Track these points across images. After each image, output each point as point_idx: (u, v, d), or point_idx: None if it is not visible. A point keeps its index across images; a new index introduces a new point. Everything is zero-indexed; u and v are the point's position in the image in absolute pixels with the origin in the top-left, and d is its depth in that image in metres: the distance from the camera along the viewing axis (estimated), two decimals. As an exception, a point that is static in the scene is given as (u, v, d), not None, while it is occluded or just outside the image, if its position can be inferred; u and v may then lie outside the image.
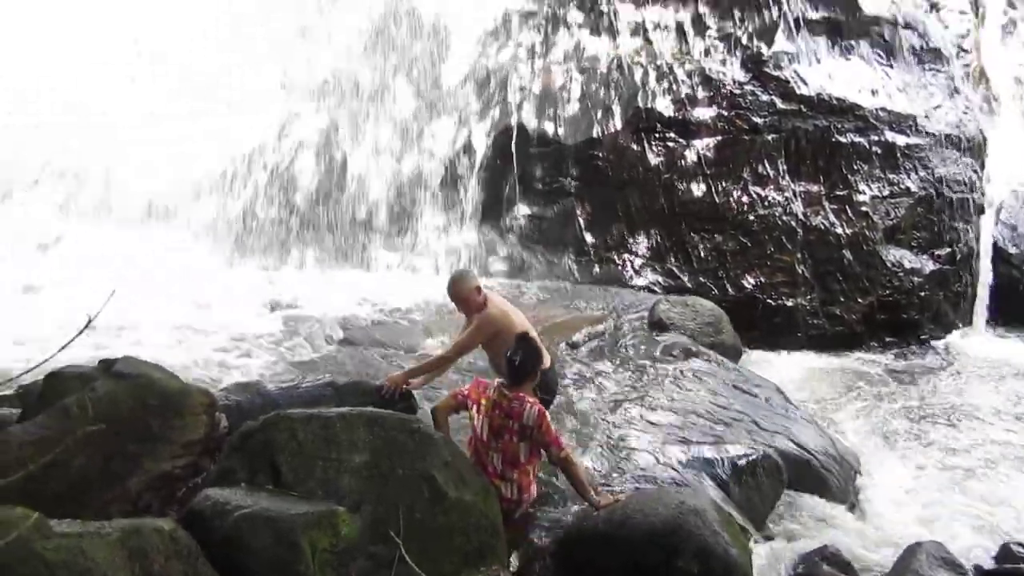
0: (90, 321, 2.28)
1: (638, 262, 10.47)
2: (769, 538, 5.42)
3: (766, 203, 10.54)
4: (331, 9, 11.37)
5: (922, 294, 10.87)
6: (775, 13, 11.00)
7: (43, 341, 6.41)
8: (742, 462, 5.82)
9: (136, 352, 6.06)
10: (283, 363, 7.13)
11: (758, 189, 10.57)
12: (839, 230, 10.64)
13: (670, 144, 10.62)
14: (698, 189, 10.52)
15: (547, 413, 4.51)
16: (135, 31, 10.85)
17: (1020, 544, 5.37)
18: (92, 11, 10.97)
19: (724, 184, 10.53)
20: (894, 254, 10.85)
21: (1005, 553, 5.31)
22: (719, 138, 10.63)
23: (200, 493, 3.82)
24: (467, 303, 5.43)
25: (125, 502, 3.95)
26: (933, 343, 10.77)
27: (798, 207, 10.60)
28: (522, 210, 10.62)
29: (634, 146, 10.59)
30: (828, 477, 6.19)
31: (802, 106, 10.78)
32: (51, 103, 10.34)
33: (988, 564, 5.23)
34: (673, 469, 5.62)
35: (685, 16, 11.10)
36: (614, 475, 5.46)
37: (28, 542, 2.91)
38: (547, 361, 5.00)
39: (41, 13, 11.03)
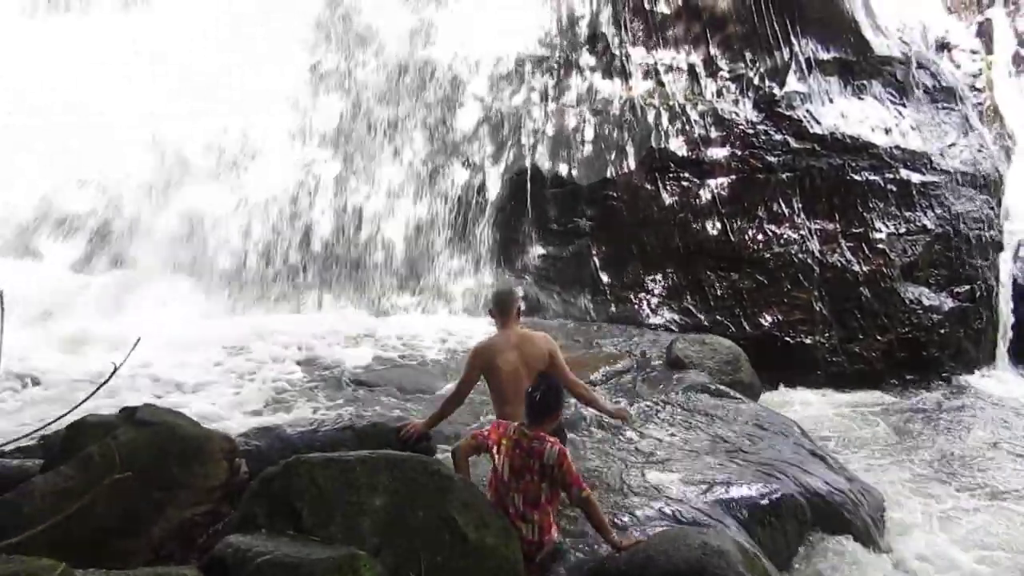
0: (116, 369, 2.31)
1: (654, 301, 10.46)
2: (794, 581, 5.34)
3: (782, 241, 10.55)
4: (346, 55, 11.57)
5: (942, 331, 10.80)
6: (786, 54, 11.11)
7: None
8: (764, 502, 5.74)
9: (156, 400, 6.12)
10: (302, 407, 7.13)
11: (773, 227, 10.58)
12: (856, 267, 10.62)
13: (684, 184, 10.68)
14: (713, 228, 10.55)
15: (567, 453, 4.48)
16: (147, 81, 11.05)
17: (1050, 586, 5.26)
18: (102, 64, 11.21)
19: (739, 223, 10.56)
20: (912, 291, 10.80)
21: (1036, 595, 5.20)
22: (733, 177, 10.69)
23: (222, 540, 3.81)
24: (506, 318, 5.50)
25: (147, 550, 3.95)
26: (955, 381, 10.67)
27: (814, 245, 10.60)
28: (537, 251, 10.68)
29: (648, 186, 10.65)
30: (853, 518, 6.09)
31: (816, 145, 10.84)
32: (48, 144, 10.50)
33: (1019, 607, 5.12)
34: (695, 509, 5.55)
35: (697, 58, 11.23)
36: (635, 515, 5.40)
37: (53, 592, 2.90)
38: None
39: (38, 38, 11.25)
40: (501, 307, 5.58)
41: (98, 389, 2.38)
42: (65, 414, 2.87)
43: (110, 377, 2.36)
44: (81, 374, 7.26)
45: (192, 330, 8.73)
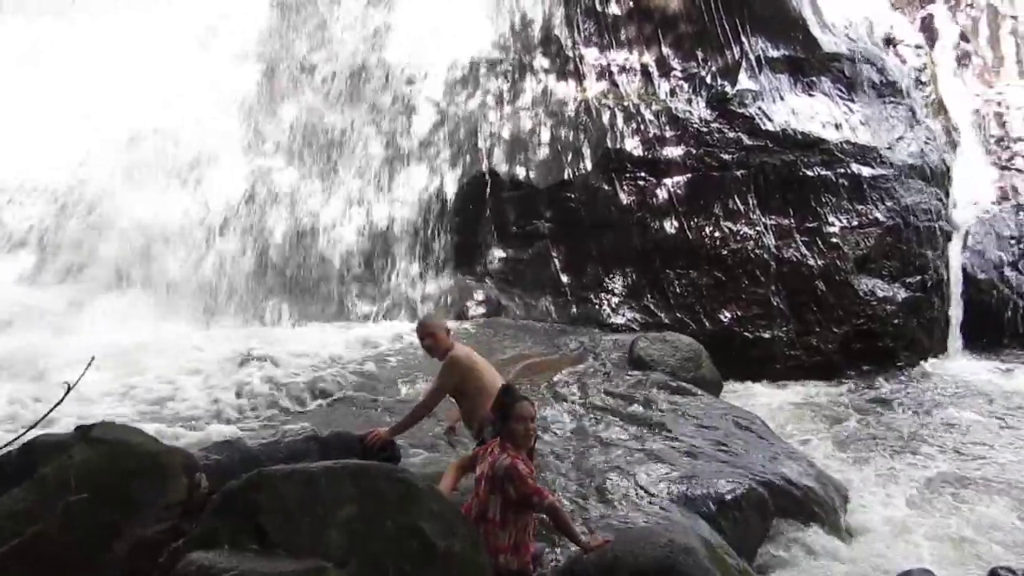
0: (70, 389, 2.25)
1: (615, 301, 10.52)
2: (760, 573, 5.39)
3: (738, 237, 10.67)
4: (299, 62, 11.47)
5: (896, 322, 11.01)
6: (737, 53, 11.25)
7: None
8: (728, 496, 5.81)
9: (113, 417, 5.99)
10: (263, 419, 7.05)
11: (730, 224, 10.71)
12: (811, 262, 10.79)
13: (641, 183, 10.76)
14: (671, 226, 10.64)
15: (519, 464, 4.39)
16: (97, 90, 10.84)
17: (1008, 569, 5.38)
18: (56, 74, 10.99)
19: (696, 220, 10.66)
20: (866, 283, 11.00)
21: (993, 578, 5.32)
22: (689, 176, 10.80)
23: (184, 558, 3.73)
24: (435, 339, 5.47)
25: (108, 570, 3.86)
26: (910, 369, 10.88)
27: (770, 240, 10.74)
28: (497, 254, 10.67)
29: (605, 186, 10.71)
30: (815, 508, 6.19)
31: (768, 142, 10.98)
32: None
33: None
34: (660, 506, 5.60)
35: (649, 58, 11.32)
36: (601, 515, 5.42)
37: (9, 618, 2.82)
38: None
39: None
40: (446, 327, 5.55)
41: (51, 410, 2.32)
42: (19, 436, 2.79)
43: (63, 398, 2.30)
44: (32, 392, 7.09)
45: (146, 344, 8.56)
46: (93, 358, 2.53)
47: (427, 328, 5.54)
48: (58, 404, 2.28)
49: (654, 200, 10.70)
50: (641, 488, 5.82)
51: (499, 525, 4.35)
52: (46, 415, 2.38)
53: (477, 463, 4.54)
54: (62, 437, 4.47)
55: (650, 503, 5.62)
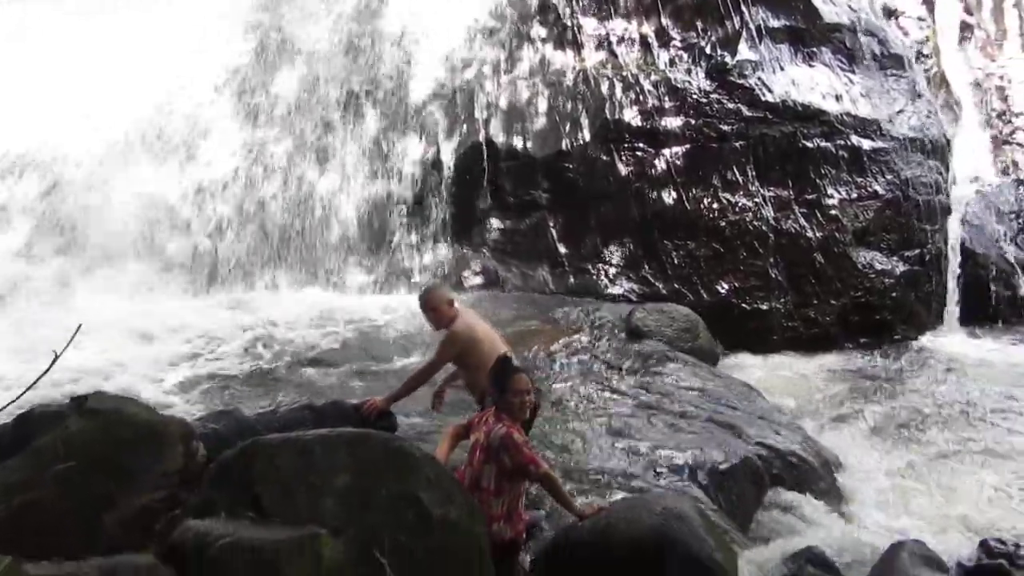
0: (56, 357, 2.23)
1: (612, 271, 10.50)
2: (753, 541, 5.43)
3: (737, 209, 10.63)
4: (294, 32, 11.35)
5: (894, 295, 11.01)
6: (737, 23, 11.14)
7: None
8: (723, 466, 5.85)
9: (110, 388, 5.99)
10: (260, 388, 7.06)
11: (728, 195, 10.67)
12: (809, 234, 10.76)
13: (639, 154, 10.70)
14: (669, 197, 10.59)
15: (514, 433, 4.41)
16: (89, 64, 10.71)
17: (999, 540, 5.41)
18: (47, 49, 10.86)
19: (695, 192, 10.62)
20: (865, 256, 10.98)
21: (985, 549, 5.35)
22: (687, 146, 10.73)
23: (180, 525, 3.75)
24: (437, 313, 5.41)
25: (104, 539, 3.86)
26: (907, 343, 10.90)
27: (768, 212, 10.70)
28: (495, 224, 10.63)
29: (603, 157, 10.65)
30: (810, 478, 6.23)
31: (768, 113, 10.91)
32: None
33: (968, 561, 5.26)
34: (655, 476, 5.63)
35: (649, 28, 11.21)
36: (597, 485, 5.45)
37: (2, 587, 2.82)
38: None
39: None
40: (450, 296, 5.51)
41: (40, 377, 2.30)
42: (6, 406, 2.77)
43: (51, 365, 2.28)
44: (30, 363, 7.07)
45: (143, 315, 8.55)
46: (80, 326, 2.51)
47: (428, 301, 5.48)
48: (45, 373, 2.26)
49: (652, 171, 10.64)
50: (636, 457, 5.85)
51: (493, 494, 4.37)
52: (33, 384, 2.36)
53: (472, 432, 4.54)
54: (57, 408, 4.47)
55: (645, 472, 5.65)
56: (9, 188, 10.13)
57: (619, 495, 5.21)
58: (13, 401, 2.79)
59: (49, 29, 11.01)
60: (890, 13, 13.24)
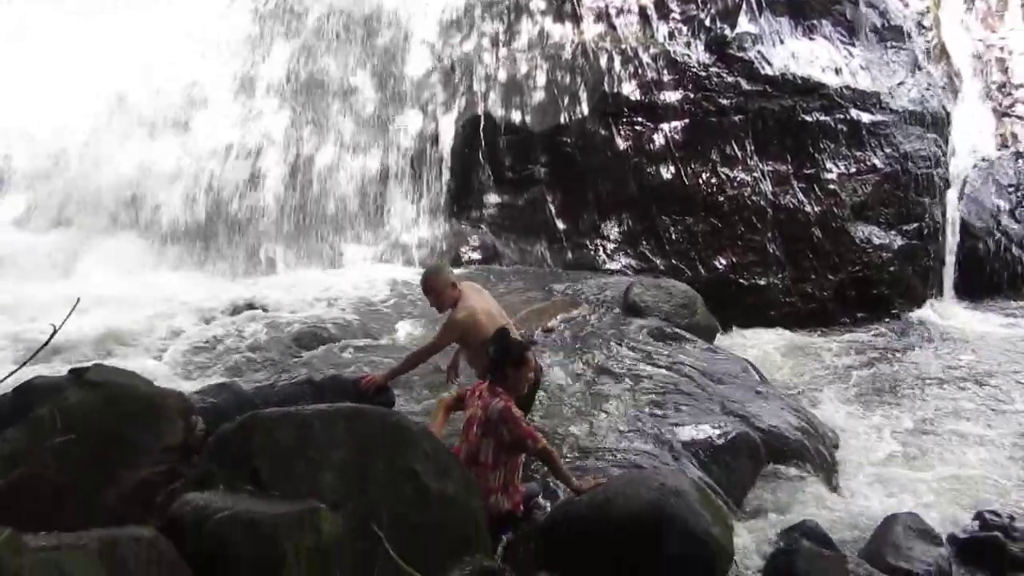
0: (56, 331, 2.24)
1: (610, 247, 10.49)
2: (749, 515, 5.48)
3: (735, 184, 10.61)
4: (291, 3, 11.24)
5: (891, 269, 11.02)
6: (737, -6, 11.04)
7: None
8: (720, 441, 5.87)
9: (108, 361, 6.00)
10: (259, 363, 7.07)
11: (727, 170, 10.63)
12: (808, 208, 10.75)
13: (638, 128, 10.64)
14: (667, 172, 10.56)
15: (512, 407, 4.44)
16: (92, 39, 10.63)
17: (994, 513, 5.46)
18: (49, 26, 10.77)
19: (693, 166, 10.58)
20: (863, 230, 10.98)
21: (980, 522, 5.40)
22: (686, 121, 10.68)
23: (179, 499, 3.77)
24: (439, 297, 5.42)
25: (103, 511, 3.89)
26: (904, 317, 10.93)
27: (767, 187, 10.68)
28: (493, 199, 10.61)
29: (602, 131, 10.60)
30: (806, 453, 6.26)
31: (767, 86, 10.85)
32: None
33: (963, 533, 5.31)
34: (652, 451, 5.65)
35: (648, 0, 11.10)
36: (595, 461, 5.47)
37: (0, 559, 2.83)
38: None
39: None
40: (451, 278, 5.49)
41: (39, 351, 2.31)
42: (4, 378, 2.78)
43: (50, 338, 2.29)
44: (28, 336, 7.08)
45: (141, 289, 8.54)
46: (79, 300, 2.52)
47: (430, 285, 5.45)
48: (43, 347, 2.27)
49: (651, 145, 10.60)
50: (634, 432, 5.87)
51: (490, 467, 4.41)
52: (32, 356, 2.37)
53: (467, 405, 4.56)
54: (57, 379, 4.48)
55: (642, 447, 5.68)
56: (9, 159, 10.10)
57: (616, 471, 5.24)
58: (12, 373, 2.80)
59: (49, 29, 10.89)
60: (891, -16, 13.10)
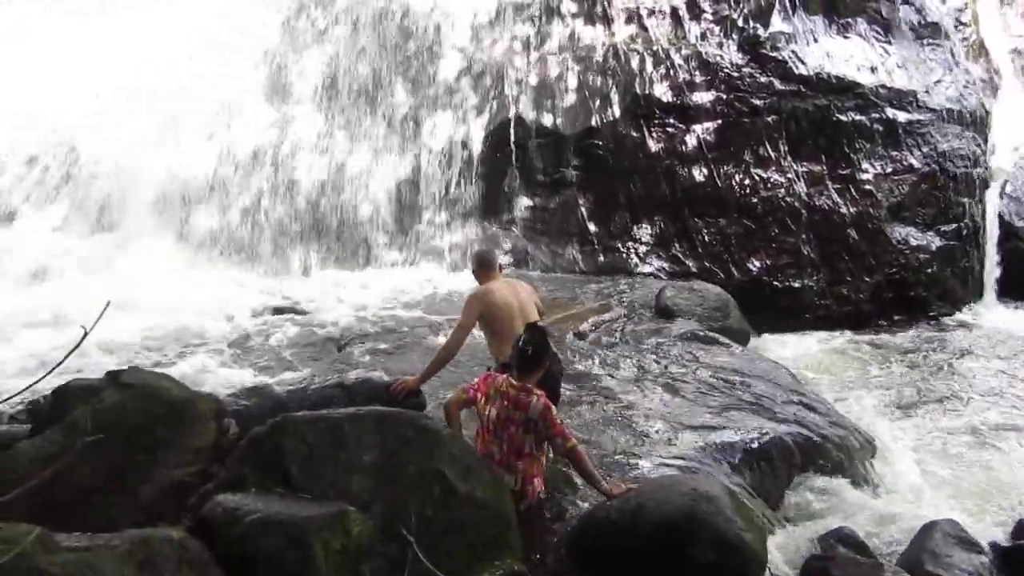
0: (87, 334, 2.26)
1: (642, 249, 10.43)
2: (784, 522, 5.40)
3: (769, 185, 10.49)
4: (323, 9, 11.34)
5: (929, 271, 10.82)
6: (770, -7, 10.93)
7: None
8: (754, 446, 5.79)
9: (142, 363, 6.08)
10: (291, 365, 7.12)
11: (760, 171, 10.52)
12: (843, 209, 10.59)
13: (670, 130, 10.58)
14: (700, 174, 10.47)
15: (552, 406, 4.47)
16: (121, 44, 10.79)
17: (1037, 520, 5.33)
18: (77, 27, 10.96)
19: (726, 168, 10.49)
20: (900, 231, 10.79)
21: (1021, 529, 5.27)
22: (719, 122, 10.59)
23: (211, 500, 3.81)
24: (474, 274, 5.71)
25: (136, 512, 3.94)
26: (943, 319, 10.71)
27: (801, 188, 10.55)
28: (524, 202, 10.60)
29: (634, 133, 10.55)
30: (842, 458, 6.16)
31: (801, 86, 10.73)
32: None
33: (1006, 541, 5.18)
34: (685, 455, 5.59)
35: (679, 1, 11.04)
36: (626, 464, 5.43)
37: (31, 558, 2.86)
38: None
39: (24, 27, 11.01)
40: (485, 264, 5.58)
41: (70, 354, 2.34)
42: (38, 380, 2.83)
43: (81, 341, 2.31)
44: (66, 339, 7.20)
45: (177, 292, 8.66)
46: (108, 303, 2.54)
47: (471, 263, 5.82)
48: (73, 350, 2.29)
49: (683, 147, 10.52)
50: (666, 436, 5.82)
51: (534, 456, 4.46)
52: (63, 360, 2.40)
53: (487, 402, 4.51)
54: (93, 382, 4.55)
55: (675, 451, 5.62)
56: (47, 166, 10.30)
57: (648, 475, 5.19)
58: (43, 377, 2.85)
59: (49, 29, 11.08)
60: (928, -21, 12.88)
